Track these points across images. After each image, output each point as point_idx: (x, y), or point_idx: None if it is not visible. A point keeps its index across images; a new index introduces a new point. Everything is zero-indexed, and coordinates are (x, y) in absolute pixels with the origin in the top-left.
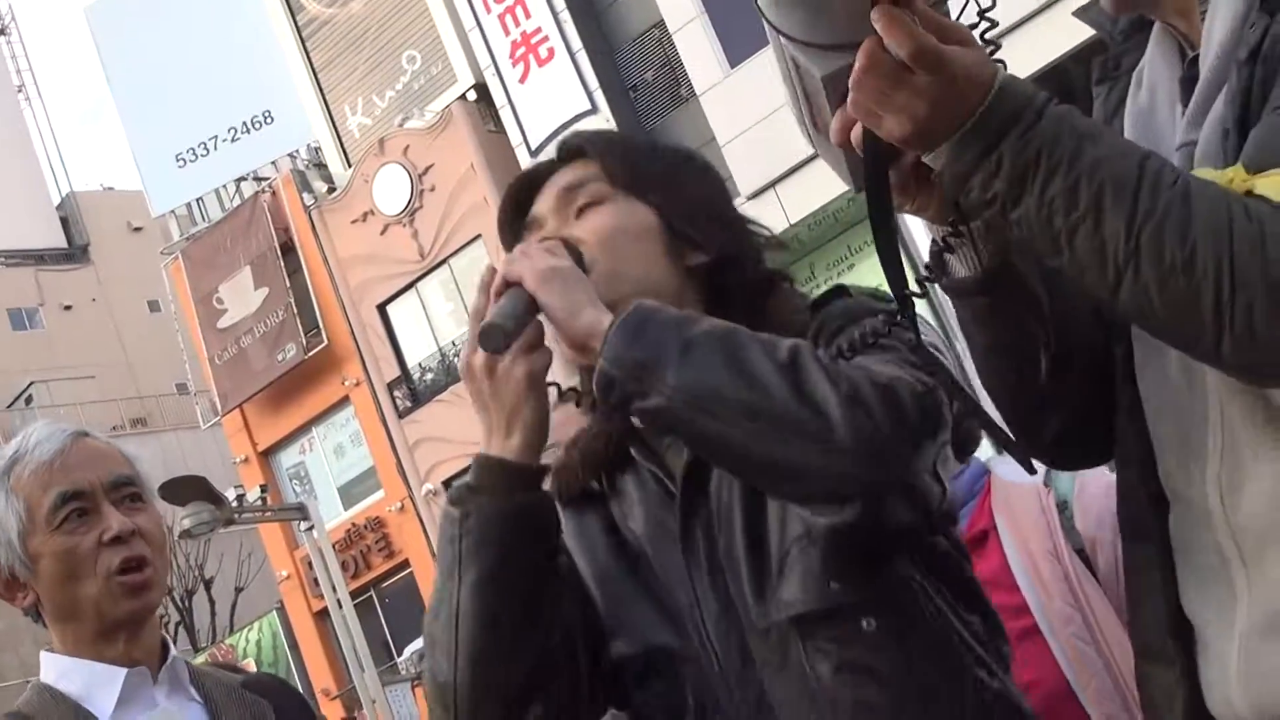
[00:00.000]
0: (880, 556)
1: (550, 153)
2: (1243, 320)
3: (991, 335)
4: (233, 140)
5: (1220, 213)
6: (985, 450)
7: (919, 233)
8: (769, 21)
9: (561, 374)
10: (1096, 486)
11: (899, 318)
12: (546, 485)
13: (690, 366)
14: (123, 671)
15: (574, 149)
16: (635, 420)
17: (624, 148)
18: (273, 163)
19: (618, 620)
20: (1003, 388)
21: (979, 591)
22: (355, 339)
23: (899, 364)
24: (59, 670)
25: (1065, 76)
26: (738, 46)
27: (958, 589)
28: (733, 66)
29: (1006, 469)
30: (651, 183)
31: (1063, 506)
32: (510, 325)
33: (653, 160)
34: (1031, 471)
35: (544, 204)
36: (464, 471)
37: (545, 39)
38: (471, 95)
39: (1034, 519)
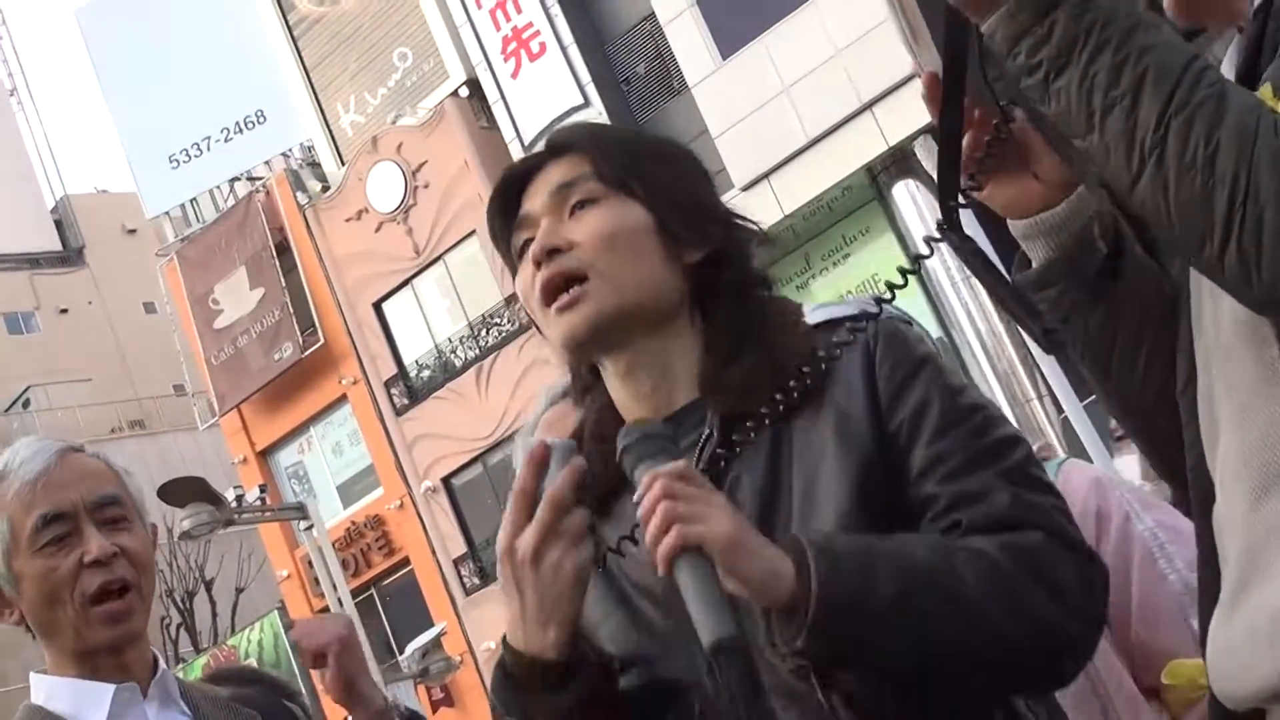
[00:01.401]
0: None
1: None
2: (1252, 231)
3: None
4: (226, 140)
5: (1250, 121)
6: None
7: (916, 227)
8: None
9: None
10: (1080, 482)
11: (941, 231)
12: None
13: (908, 618)
14: (111, 689)
15: (563, 144)
16: (842, 678)
17: (612, 143)
18: (266, 162)
19: (627, 657)
20: (1105, 392)
21: None
22: (351, 337)
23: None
24: (48, 691)
25: None
26: (729, 38)
27: None
28: (724, 58)
29: None
30: (642, 179)
31: None
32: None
33: (641, 155)
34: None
35: (535, 201)
36: (463, 468)
37: (536, 34)
38: (464, 91)
39: None
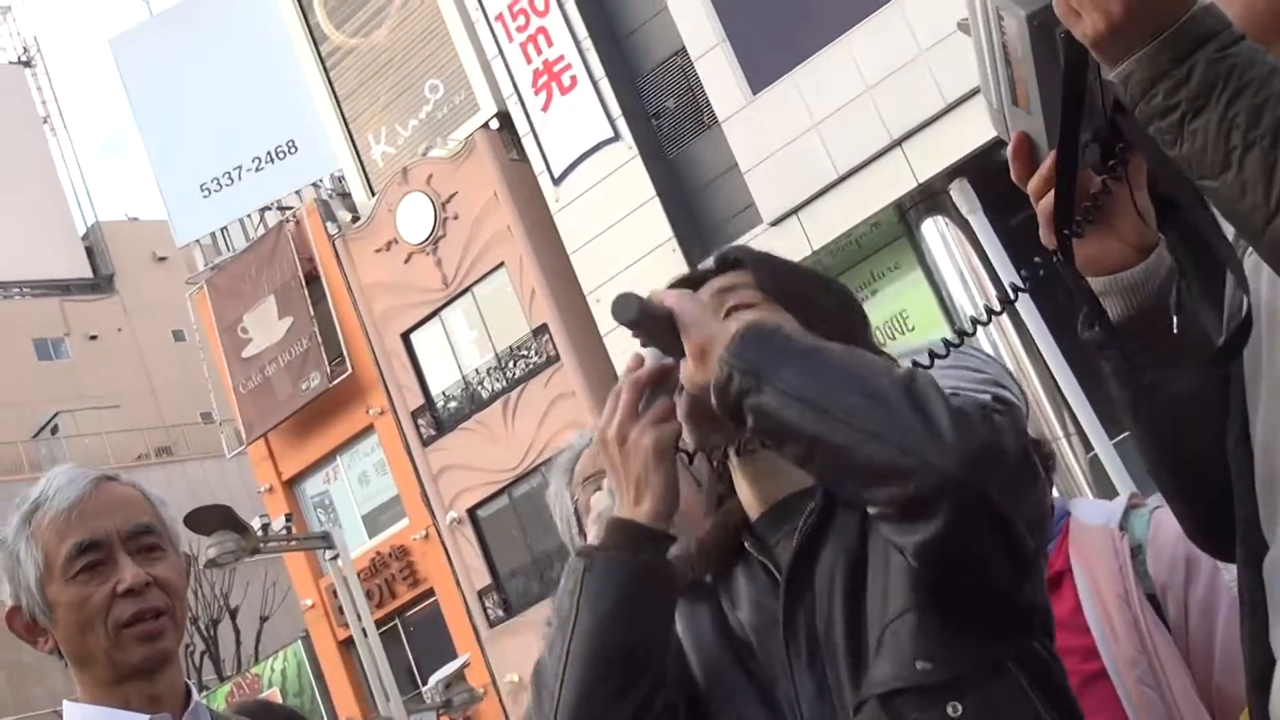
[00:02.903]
0: (972, 636)
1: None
2: None
3: (1132, 391)
4: (257, 170)
5: None
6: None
7: (957, 287)
8: None
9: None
10: (1170, 530)
11: (1055, 258)
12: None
13: (809, 368)
14: (145, 719)
15: (731, 260)
16: (747, 420)
17: (776, 263)
18: (296, 192)
19: (717, 700)
20: (1158, 456)
21: (1071, 702)
22: (379, 368)
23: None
24: (80, 719)
25: None
26: (760, 73)
27: (1052, 697)
28: (755, 93)
29: (1085, 511)
30: (798, 297)
31: (1137, 550)
32: (645, 306)
33: (800, 279)
34: None
35: None
36: (488, 500)
37: (568, 67)
38: (494, 124)
39: (1107, 563)
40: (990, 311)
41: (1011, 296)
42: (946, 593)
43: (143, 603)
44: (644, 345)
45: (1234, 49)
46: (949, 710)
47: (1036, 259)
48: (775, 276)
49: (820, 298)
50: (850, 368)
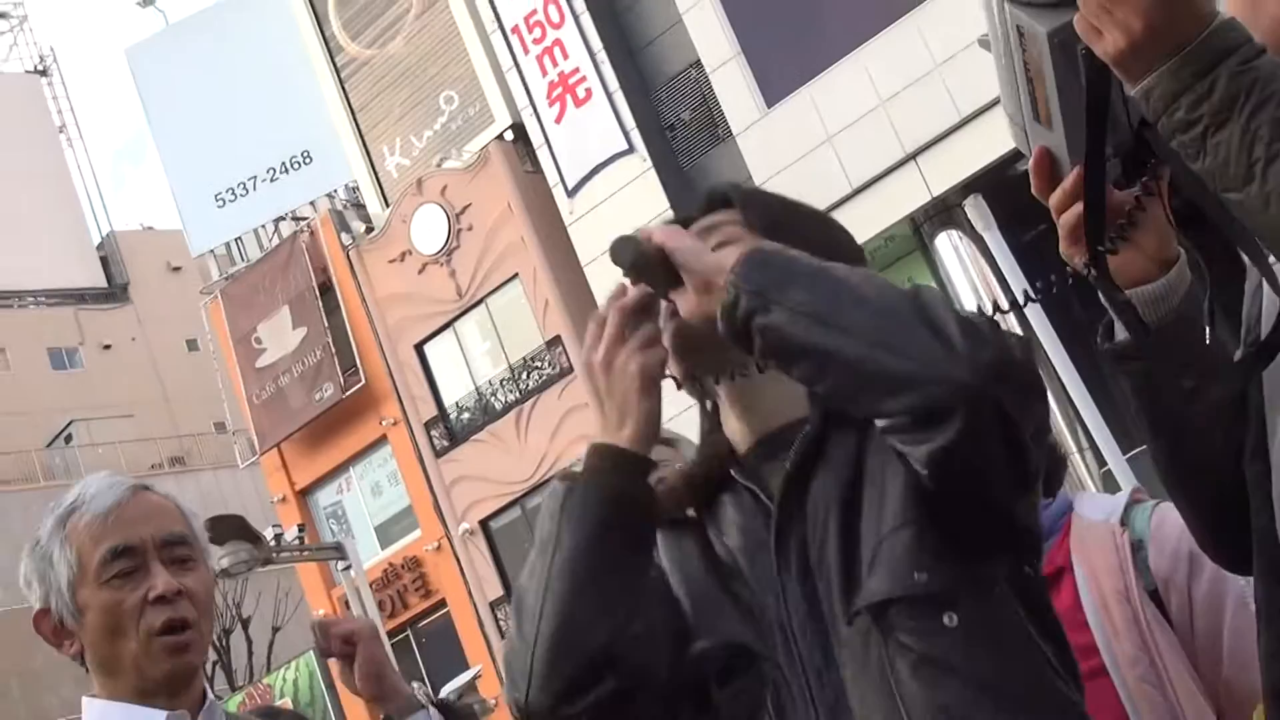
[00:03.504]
0: (967, 550)
1: (599, 192)
2: None
3: (1151, 404)
4: (271, 180)
5: None
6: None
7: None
8: None
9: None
10: (1173, 525)
11: (1089, 273)
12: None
13: (816, 285)
14: (162, 714)
15: (720, 197)
16: (755, 342)
17: (767, 199)
18: (311, 203)
19: (704, 624)
20: (1171, 466)
21: (1058, 624)
22: (393, 378)
23: None
24: (98, 714)
25: None
26: (774, 86)
27: (1039, 615)
28: (769, 106)
29: (1087, 506)
30: (789, 231)
31: (1139, 546)
32: (641, 246)
33: (793, 214)
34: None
35: None
36: (501, 511)
37: (583, 79)
38: (509, 135)
39: (1107, 558)
40: (997, 308)
41: (1022, 302)
42: (945, 505)
43: (174, 611)
44: (635, 285)
45: (1256, 62)
46: (945, 620)
47: (1068, 267)
48: (765, 212)
49: (813, 234)
50: (857, 284)
